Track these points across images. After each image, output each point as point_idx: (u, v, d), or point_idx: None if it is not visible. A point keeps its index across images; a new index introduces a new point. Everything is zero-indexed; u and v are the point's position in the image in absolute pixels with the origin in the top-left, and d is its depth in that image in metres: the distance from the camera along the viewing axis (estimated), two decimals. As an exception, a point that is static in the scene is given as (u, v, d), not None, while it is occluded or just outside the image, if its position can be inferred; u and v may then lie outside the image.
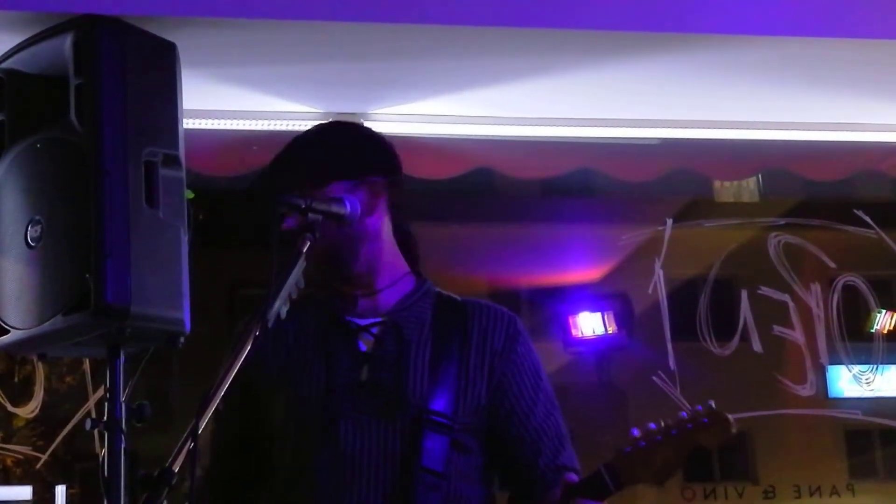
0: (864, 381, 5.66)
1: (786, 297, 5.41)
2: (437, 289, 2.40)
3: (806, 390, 5.41)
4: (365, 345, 2.29)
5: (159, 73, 2.62)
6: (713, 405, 2.09)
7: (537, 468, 2.29)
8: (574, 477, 2.24)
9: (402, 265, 2.38)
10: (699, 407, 2.09)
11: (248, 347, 2.03)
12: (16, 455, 5.39)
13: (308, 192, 2.23)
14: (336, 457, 2.20)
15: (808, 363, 5.38)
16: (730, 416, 2.07)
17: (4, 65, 2.70)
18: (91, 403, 4.76)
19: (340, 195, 2.26)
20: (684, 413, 2.08)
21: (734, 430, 2.06)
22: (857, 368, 5.66)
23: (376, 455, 2.20)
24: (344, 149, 2.37)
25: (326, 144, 2.39)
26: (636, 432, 2.09)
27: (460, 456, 2.25)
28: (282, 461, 2.29)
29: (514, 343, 2.34)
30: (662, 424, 2.08)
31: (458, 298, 2.39)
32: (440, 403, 2.23)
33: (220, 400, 2.32)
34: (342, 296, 2.34)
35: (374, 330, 2.29)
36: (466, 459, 2.26)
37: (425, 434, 2.20)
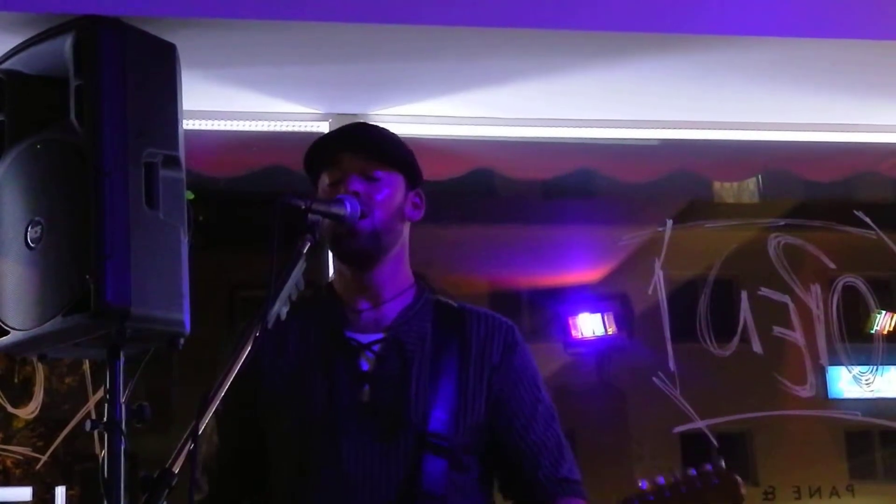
0: (864, 381, 5.65)
1: (786, 298, 5.39)
2: (436, 296, 2.39)
3: (806, 391, 5.40)
4: (367, 363, 2.28)
5: (159, 73, 2.62)
6: (723, 465, 2.07)
7: (537, 481, 2.29)
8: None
9: (410, 277, 2.38)
10: (709, 466, 2.07)
11: (248, 349, 2.03)
12: (15, 456, 5.38)
13: (373, 164, 2.29)
14: (338, 479, 2.20)
15: (808, 364, 5.37)
16: (739, 479, 2.05)
17: (5, 65, 2.70)
18: (91, 404, 4.75)
19: (390, 182, 2.31)
20: (693, 470, 2.06)
21: (744, 493, 2.04)
22: (857, 369, 5.65)
23: (377, 478, 2.19)
24: (409, 152, 2.41)
25: (395, 138, 2.42)
26: (644, 485, 2.07)
27: (460, 474, 2.25)
28: (283, 481, 2.28)
29: (512, 355, 2.33)
30: (672, 480, 2.06)
31: (456, 305, 2.38)
32: (439, 424, 2.22)
33: (223, 418, 2.32)
34: (346, 307, 2.33)
35: (376, 348, 2.28)
36: (466, 476, 2.27)
37: (425, 457, 2.19)
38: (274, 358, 2.31)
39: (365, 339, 2.30)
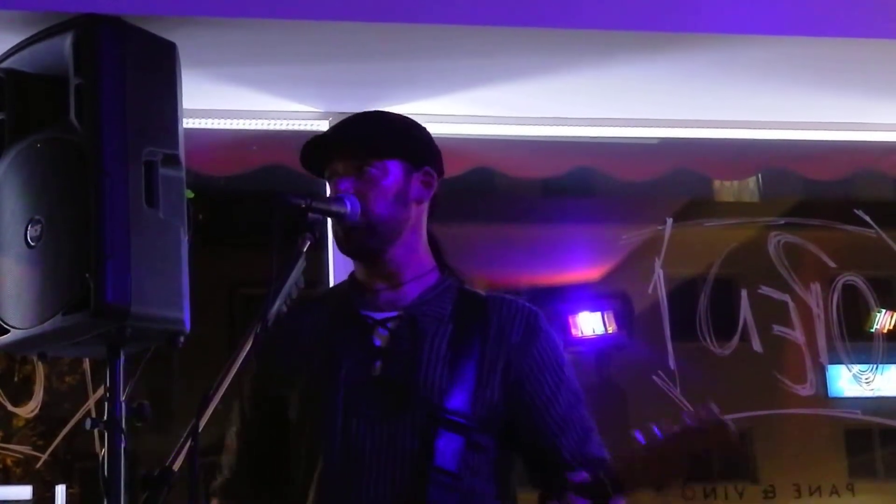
0: (864, 380, 5.66)
1: (786, 297, 5.39)
2: (462, 285, 2.37)
3: (806, 390, 5.40)
4: (379, 340, 2.26)
5: (159, 72, 2.62)
6: (714, 409, 2.08)
7: (562, 461, 2.25)
8: (580, 476, 2.21)
9: (431, 260, 2.36)
10: (703, 411, 2.08)
11: (249, 347, 2.03)
12: (16, 455, 5.38)
13: (364, 160, 2.26)
14: (347, 454, 2.18)
15: (808, 363, 5.37)
16: (729, 421, 2.06)
17: (5, 64, 2.70)
18: (91, 403, 4.75)
19: (384, 171, 2.28)
20: (686, 417, 2.07)
21: (734, 436, 2.06)
22: (857, 368, 5.65)
23: (388, 453, 2.17)
24: (409, 133, 2.38)
25: (391, 124, 2.40)
26: (641, 438, 2.07)
27: (475, 454, 2.22)
28: (298, 457, 2.28)
29: (533, 338, 2.30)
30: (664, 428, 2.07)
31: (482, 294, 2.36)
32: (457, 401, 2.20)
33: (245, 398, 2.32)
34: (364, 289, 2.33)
35: (390, 324, 2.27)
36: (482, 457, 2.24)
37: (439, 432, 2.17)
38: (290, 346, 2.30)
39: (379, 316, 2.28)
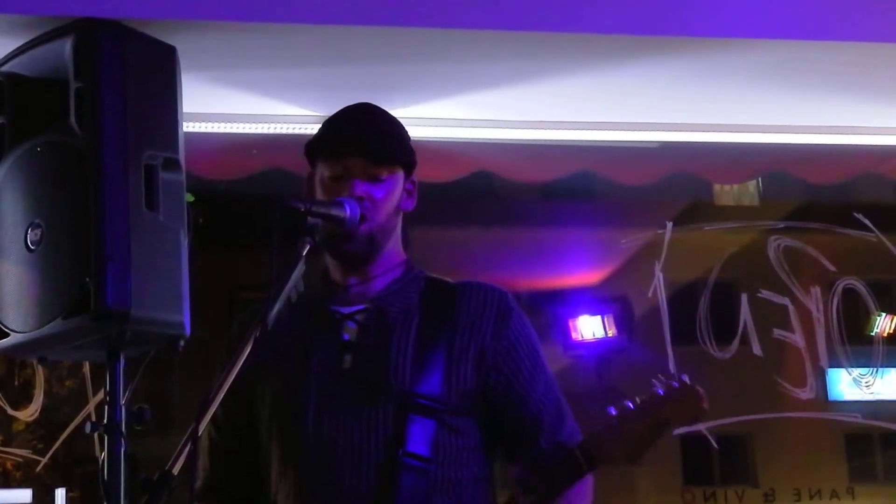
0: (863, 384, 5.67)
1: (786, 301, 5.41)
2: (428, 273, 2.39)
3: (806, 393, 5.42)
4: (348, 334, 2.29)
5: (159, 76, 2.62)
6: (687, 380, 2.08)
7: (537, 446, 2.27)
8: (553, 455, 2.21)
9: (400, 255, 2.39)
10: (674, 383, 2.08)
11: (248, 350, 2.03)
12: (16, 458, 5.40)
13: (381, 167, 2.29)
14: (322, 448, 2.20)
15: (808, 366, 5.38)
16: (701, 390, 2.07)
17: (5, 68, 2.70)
18: (91, 407, 4.76)
19: (393, 181, 2.31)
20: (660, 390, 2.08)
21: (706, 406, 2.06)
22: (857, 372, 5.66)
23: (361, 444, 2.19)
24: (407, 140, 2.42)
25: (399, 131, 2.42)
26: (612, 411, 2.09)
27: (450, 438, 2.23)
28: (272, 455, 2.29)
29: (506, 321, 2.32)
30: (637, 401, 2.08)
31: (450, 281, 2.38)
32: (428, 386, 2.21)
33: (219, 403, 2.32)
34: (336, 285, 2.34)
35: (358, 318, 2.29)
36: (457, 441, 2.25)
37: (410, 417, 2.19)
38: (265, 347, 2.30)
39: (347, 310, 2.30)
